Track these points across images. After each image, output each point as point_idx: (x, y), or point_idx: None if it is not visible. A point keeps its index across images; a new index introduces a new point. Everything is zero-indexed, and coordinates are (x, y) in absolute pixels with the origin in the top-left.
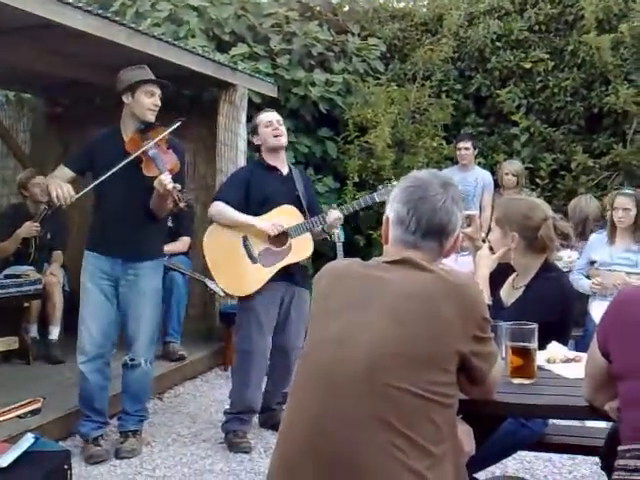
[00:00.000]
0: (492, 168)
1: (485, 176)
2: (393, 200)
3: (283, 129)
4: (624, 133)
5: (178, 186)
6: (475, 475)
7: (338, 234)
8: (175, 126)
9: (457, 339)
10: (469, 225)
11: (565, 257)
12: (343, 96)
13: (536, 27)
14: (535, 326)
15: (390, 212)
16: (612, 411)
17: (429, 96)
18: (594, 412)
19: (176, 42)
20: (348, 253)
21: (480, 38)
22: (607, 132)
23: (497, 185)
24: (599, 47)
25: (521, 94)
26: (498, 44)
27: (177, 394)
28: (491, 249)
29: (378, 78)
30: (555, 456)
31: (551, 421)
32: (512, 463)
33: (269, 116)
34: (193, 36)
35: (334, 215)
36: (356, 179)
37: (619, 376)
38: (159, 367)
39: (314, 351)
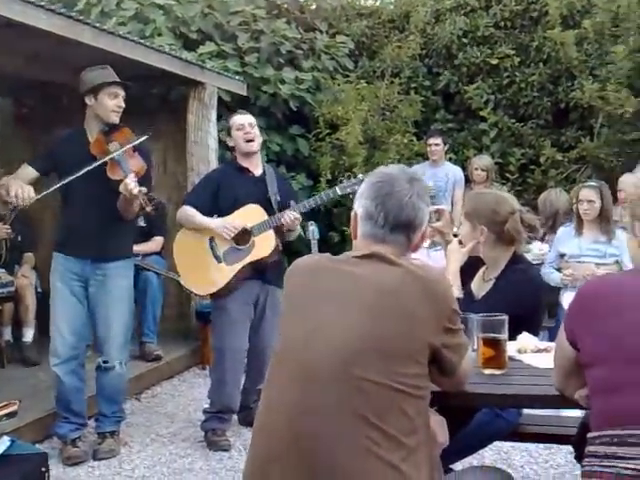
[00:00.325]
0: (463, 164)
1: (456, 172)
2: (361, 196)
3: (256, 131)
4: (591, 127)
5: (144, 189)
6: (452, 466)
7: (313, 231)
8: (142, 139)
9: (428, 332)
10: (439, 219)
11: (536, 250)
12: (313, 93)
13: (502, 23)
14: (505, 317)
15: (358, 208)
16: (582, 399)
17: (398, 93)
18: (565, 401)
19: (142, 41)
20: (323, 250)
21: (447, 35)
22: (574, 126)
23: (468, 180)
24: (563, 43)
25: (489, 90)
26: (465, 40)
27: (155, 394)
28: (461, 243)
29: (347, 75)
30: (531, 446)
31: (526, 411)
32: (489, 454)
33: (241, 119)
34: (160, 34)
35: (289, 217)
36: (329, 176)
37: (587, 364)
38: (136, 367)
39: (287, 348)
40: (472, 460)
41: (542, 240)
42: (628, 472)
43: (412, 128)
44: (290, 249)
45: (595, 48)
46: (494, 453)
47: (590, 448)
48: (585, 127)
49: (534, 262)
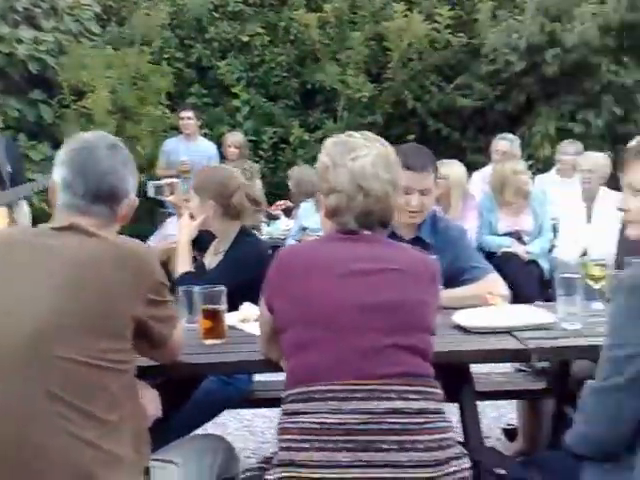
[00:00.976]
0: (218, 140)
1: (209, 147)
2: (59, 163)
3: None
4: (335, 109)
5: None
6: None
7: None
8: None
9: (130, 305)
10: (172, 193)
11: (283, 225)
12: (55, 56)
13: (251, 0)
14: (223, 289)
15: (57, 176)
16: (285, 366)
17: (149, 62)
18: (270, 366)
19: None
20: None
21: (197, 7)
22: (320, 108)
23: (223, 157)
24: (307, 25)
25: (241, 67)
26: (216, 14)
27: None
28: (192, 217)
29: (93, 40)
30: (270, 411)
31: (258, 377)
32: (232, 422)
33: None
34: None
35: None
36: None
37: (280, 328)
38: None
39: None
40: (215, 430)
41: (289, 216)
42: (312, 425)
43: (165, 100)
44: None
45: (336, 32)
46: (237, 421)
47: (282, 407)
48: (330, 109)
49: (280, 237)
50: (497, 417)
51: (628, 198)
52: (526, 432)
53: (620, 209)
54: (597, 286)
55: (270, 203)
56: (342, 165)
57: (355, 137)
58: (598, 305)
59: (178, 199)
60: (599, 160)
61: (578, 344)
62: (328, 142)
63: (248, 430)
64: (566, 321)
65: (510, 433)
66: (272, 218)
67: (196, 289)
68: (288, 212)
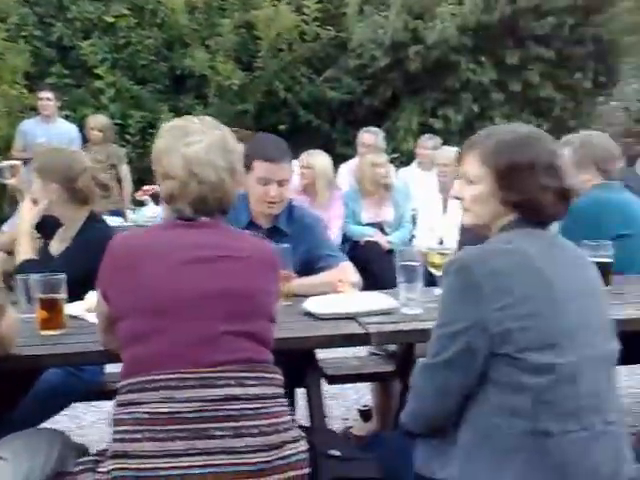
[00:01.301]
0: (81, 122)
1: (70, 130)
2: None
3: None
4: (206, 96)
5: None
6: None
7: None
8: None
9: None
10: (14, 176)
11: (150, 212)
12: None
13: None
14: (63, 277)
15: None
16: None
17: (4, 40)
18: (111, 356)
19: None
20: None
21: None
22: (191, 94)
23: (86, 140)
24: (174, 9)
25: (105, 48)
26: None
27: None
28: (36, 201)
29: None
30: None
31: (109, 368)
32: (88, 415)
33: None
34: None
35: None
36: None
37: (116, 318)
38: None
39: None
40: (70, 425)
41: (158, 203)
42: (144, 416)
43: (23, 80)
44: None
45: (205, 18)
46: (93, 414)
47: (117, 398)
48: (201, 95)
49: (146, 223)
50: (357, 399)
51: (462, 187)
52: (379, 413)
53: (456, 197)
54: (438, 273)
55: (138, 189)
56: (175, 150)
57: (192, 122)
58: (439, 291)
59: (20, 182)
60: (453, 154)
61: (416, 328)
62: (165, 126)
63: (105, 422)
64: (407, 306)
65: (365, 414)
66: (138, 204)
67: (33, 277)
68: (156, 198)
